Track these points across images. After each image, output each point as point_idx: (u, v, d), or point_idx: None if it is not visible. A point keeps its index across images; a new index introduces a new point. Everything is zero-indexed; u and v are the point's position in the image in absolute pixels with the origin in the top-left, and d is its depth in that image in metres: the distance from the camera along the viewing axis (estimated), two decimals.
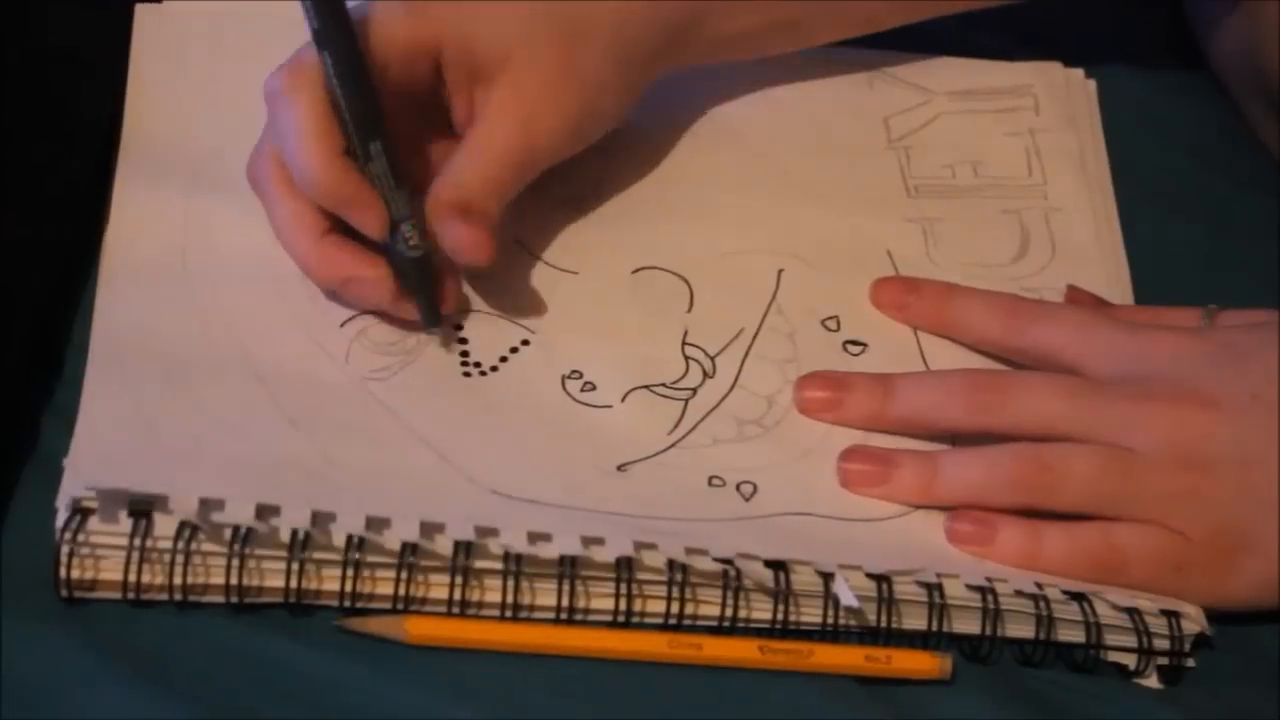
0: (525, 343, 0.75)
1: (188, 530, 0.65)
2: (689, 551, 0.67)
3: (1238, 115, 0.91)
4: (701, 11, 0.80)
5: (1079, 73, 0.89)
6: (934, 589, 0.68)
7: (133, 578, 0.65)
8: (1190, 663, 0.69)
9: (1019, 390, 0.71)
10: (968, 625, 0.69)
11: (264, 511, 0.65)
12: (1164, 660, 0.69)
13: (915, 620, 0.68)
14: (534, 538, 0.66)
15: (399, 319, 0.74)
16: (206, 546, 0.65)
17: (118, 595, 0.65)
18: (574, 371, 0.75)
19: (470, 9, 0.74)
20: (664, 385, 0.75)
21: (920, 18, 0.85)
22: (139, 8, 0.83)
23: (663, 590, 0.67)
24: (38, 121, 0.76)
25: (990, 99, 0.88)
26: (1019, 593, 0.69)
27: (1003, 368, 0.76)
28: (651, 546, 0.67)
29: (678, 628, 0.67)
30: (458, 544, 0.66)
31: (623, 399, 0.74)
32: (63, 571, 0.65)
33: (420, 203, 0.73)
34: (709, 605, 0.68)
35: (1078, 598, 0.69)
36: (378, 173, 0.71)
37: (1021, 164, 0.86)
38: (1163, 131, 0.89)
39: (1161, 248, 0.84)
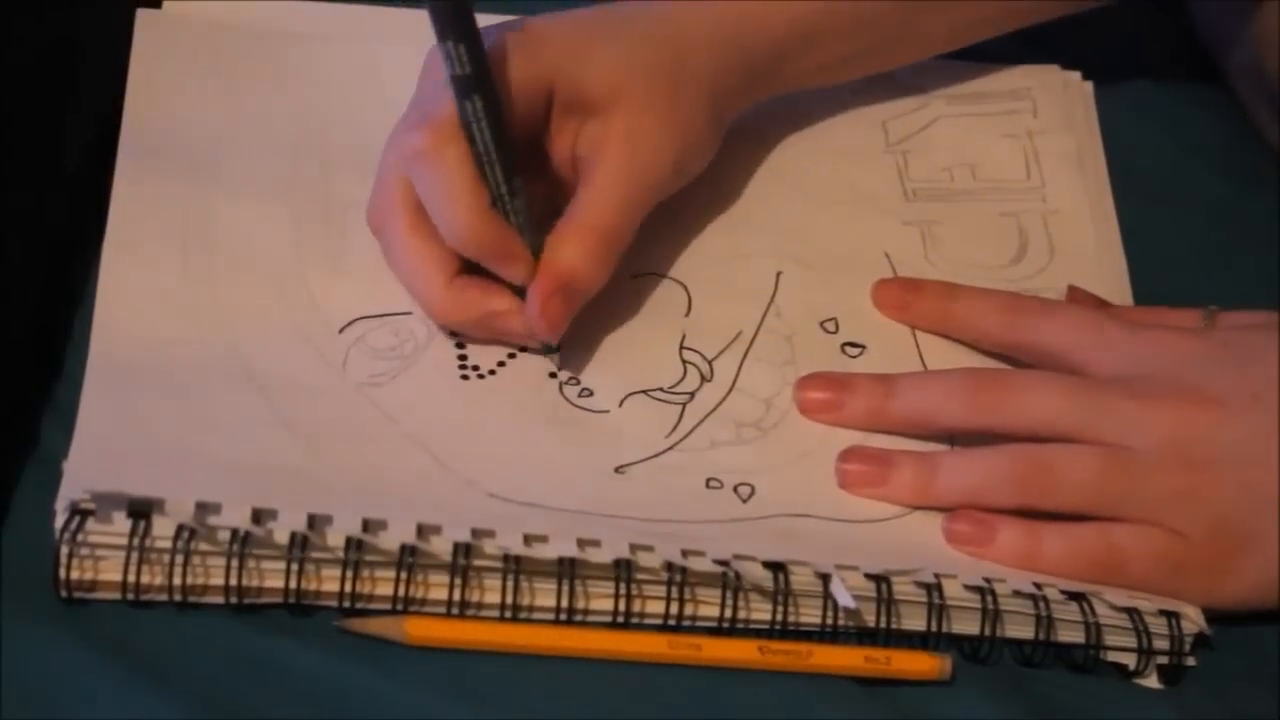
0: (523, 348, 0.75)
1: (187, 531, 0.65)
2: (686, 553, 0.67)
3: (1239, 116, 0.91)
4: (784, 53, 0.81)
5: (1076, 75, 0.90)
6: (933, 589, 0.68)
7: (132, 578, 0.65)
8: (1190, 662, 0.69)
9: (1019, 389, 0.71)
10: (967, 626, 0.69)
11: (260, 515, 0.65)
12: (1164, 660, 0.69)
13: (914, 621, 0.68)
14: (530, 539, 0.66)
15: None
16: (206, 547, 0.65)
17: (117, 596, 0.65)
18: (571, 377, 0.75)
19: (582, 49, 0.75)
20: (661, 390, 0.75)
21: (994, 34, 0.86)
22: (140, 11, 0.83)
23: (662, 591, 0.67)
24: (38, 121, 0.76)
25: (988, 102, 0.88)
26: (1018, 593, 0.69)
27: (1003, 367, 0.76)
28: (649, 548, 0.67)
29: (677, 628, 0.67)
30: (457, 544, 0.66)
31: (620, 404, 0.74)
32: (62, 572, 0.65)
33: (545, 236, 0.74)
34: (708, 606, 0.68)
35: (1077, 598, 0.69)
36: (519, 208, 0.72)
37: (1020, 167, 0.86)
38: (1163, 132, 0.89)
39: (1161, 248, 0.84)
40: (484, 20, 0.71)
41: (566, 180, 0.76)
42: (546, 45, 0.74)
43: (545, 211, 0.75)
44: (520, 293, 0.73)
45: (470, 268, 0.73)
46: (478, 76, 0.70)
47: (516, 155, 0.72)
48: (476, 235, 0.71)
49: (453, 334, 0.75)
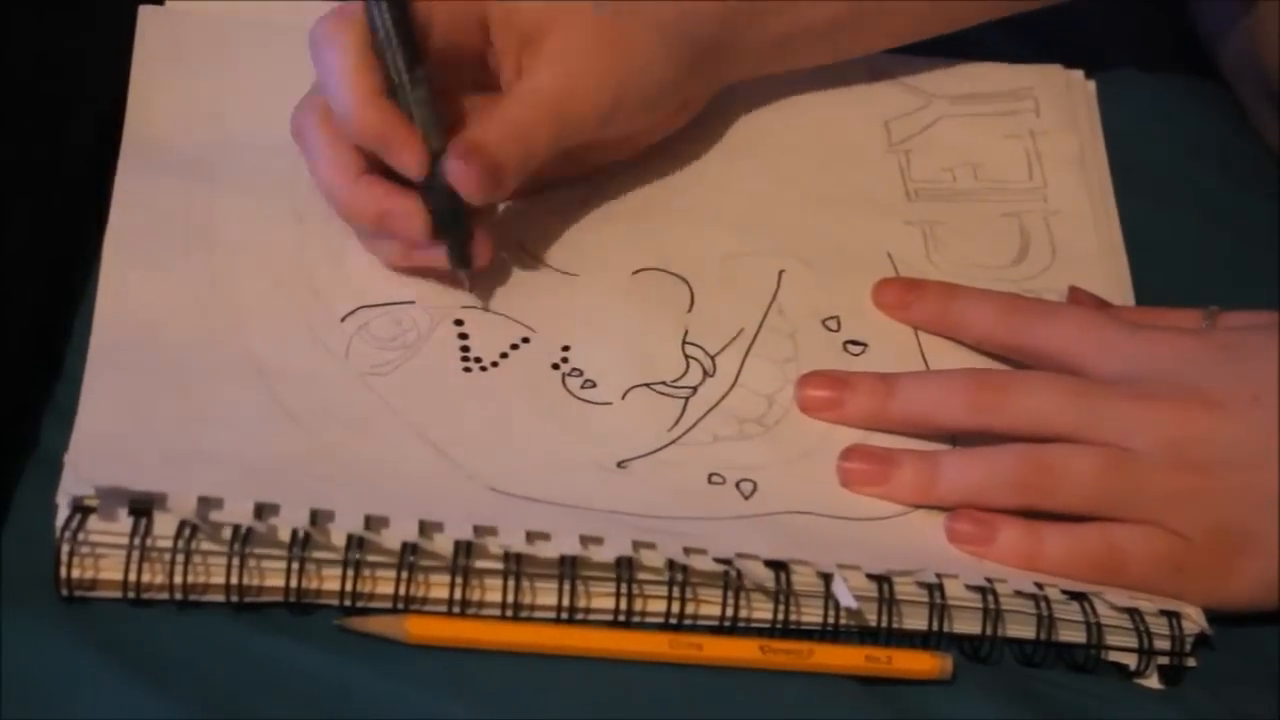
0: (525, 340, 0.75)
1: (188, 529, 0.65)
2: (688, 551, 0.67)
3: (1239, 115, 0.91)
4: (760, 7, 0.80)
5: (1079, 74, 0.89)
6: (934, 589, 0.68)
7: (133, 577, 0.65)
8: (1191, 663, 0.69)
9: (1020, 389, 0.71)
10: (968, 625, 0.69)
11: (263, 510, 0.65)
12: (1164, 660, 0.69)
13: (916, 620, 0.68)
14: (532, 537, 0.66)
15: (435, 267, 0.75)
16: (206, 545, 0.65)
17: (118, 594, 0.65)
18: (574, 369, 0.75)
19: None
20: (664, 383, 0.75)
21: (980, 18, 0.85)
22: (142, 8, 0.83)
23: (663, 590, 0.67)
24: (38, 121, 0.76)
25: (991, 102, 0.88)
26: (1019, 593, 0.69)
27: (1004, 367, 0.76)
28: (650, 546, 0.67)
29: (678, 627, 0.67)
30: (458, 543, 0.66)
31: (623, 396, 0.74)
32: (63, 570, 0.65)
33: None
34: (709, 605, 0.68)
35: (1078, 598, 0.69)
36: (419, 99, 0.72)
37: (1022, 167, 0.86)
38: (1164, 132, 0.89)
39: (1161, 248, 0.84)
40: None
41: None
42: None
43: None
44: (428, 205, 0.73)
45: (384, 174, 0.73)
46: None
47: (420, 49, 0.71)
48: (364, 117, 0.71)
49: (456, 322, 0.75)
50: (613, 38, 0.75)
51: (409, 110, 0.72)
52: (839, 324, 0.78)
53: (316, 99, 0.74)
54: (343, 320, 0.74)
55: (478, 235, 0.74)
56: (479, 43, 0.75)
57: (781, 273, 0.80)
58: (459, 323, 0.75)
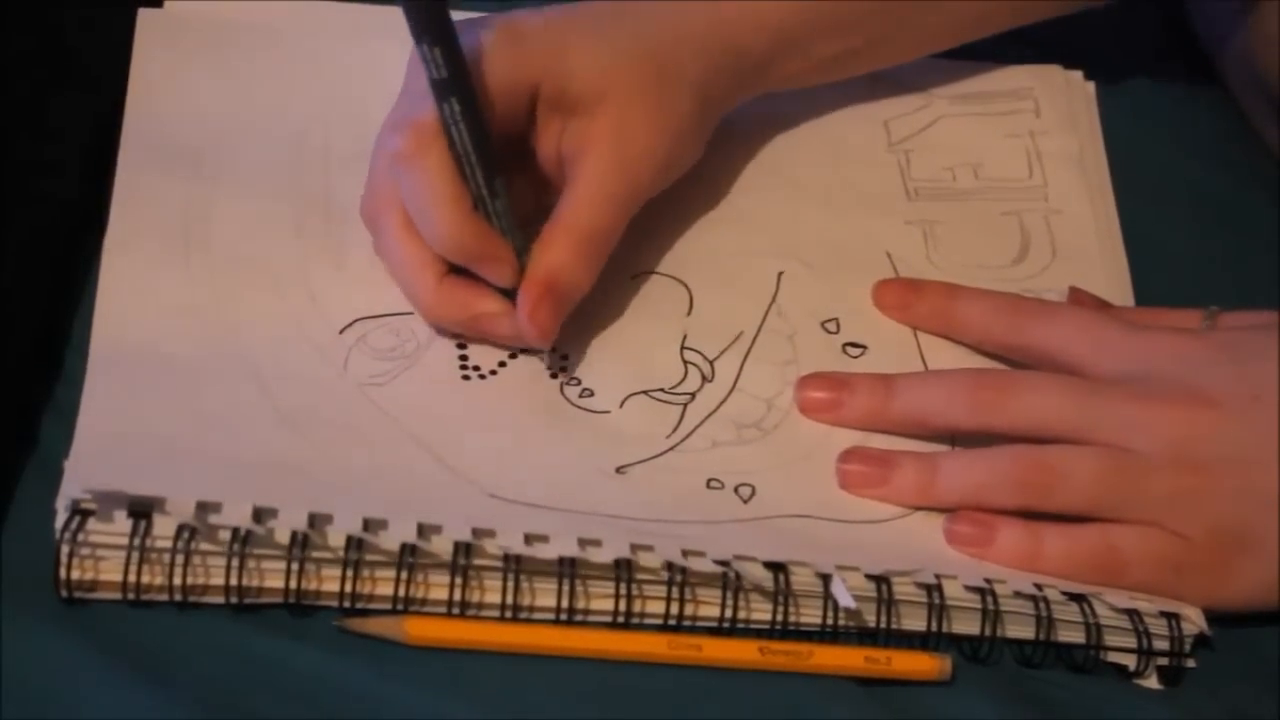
0: (524, 349, 0.75)
1: (187, 530, 0.65)
2: (686, 553, 0.67)
3: (1238, 116, 0.91)
4: (774, 53, 0.80)
5: (1078, 75, 0.90)
6: (933, 590, 0.68)
7: (133, 578, 0.65)
8: (1190, 663, 0.69)
9: (1020, 389, 0.71)
10: (967, 626, 0.69)
11: (261, 514, 0.65)
12: (1164, 661, 0.69)
13: (915, 621, 0.68)
14: (531, 539, 0.66)
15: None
16: (206, 546, 0.65)
17: (118, 595, 0.65)
18: (572, 378, 0.75)
19: (567, 47, 0.74)
20: (662, 390, 0.75)
21: (986, 34, 0.86)
22: (141, 11, 0.83)
23: (662, 591, 0.67)
24: (38, 122, 0.76)
25: (991, 102, 0.88)
26: (1018, 594, 0.69)
27: (1004, 368, 0.76)
28: (649, 548, 0.67)
29: (677, 628, 0.67)
30: (457, 544, 0.66)
31: (621, 404, 0.74)
32: (63, 572, 0.65)
33: (532, 235, 0.73)
34: (709, 606, 0.68)
35: (1077, 599, 0.69)
36: (501, 210, 0.72)
37: (1022, 166, 0.86)
38: (1163, 132, 0.89)
39: (1161, 248, 0.84)
40: (468, 16, 0.71)
41: (553, 178, 0.76)
42: (530, 42, 0.74)
43: (533, 209, 0.75)
44: (510, 294, 0.73)
45: (461, 267, 0.73)
46: (454, 79, 0.69)
47: (496, 156, 0.71)
48: (459, 239, 0.71)
49: (454, 335, 0.75)
50: (660, 108, 0.76)
51: (492, 219, 0.72)
52: (838, 326, 0.78)
53: (392, 196, 0.73)
54: (341, 332, 0.74)
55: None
56: (523, 116, 0.75)
57: (781, 274, 0.80)
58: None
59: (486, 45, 0.72)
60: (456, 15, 0.69)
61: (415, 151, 0.71)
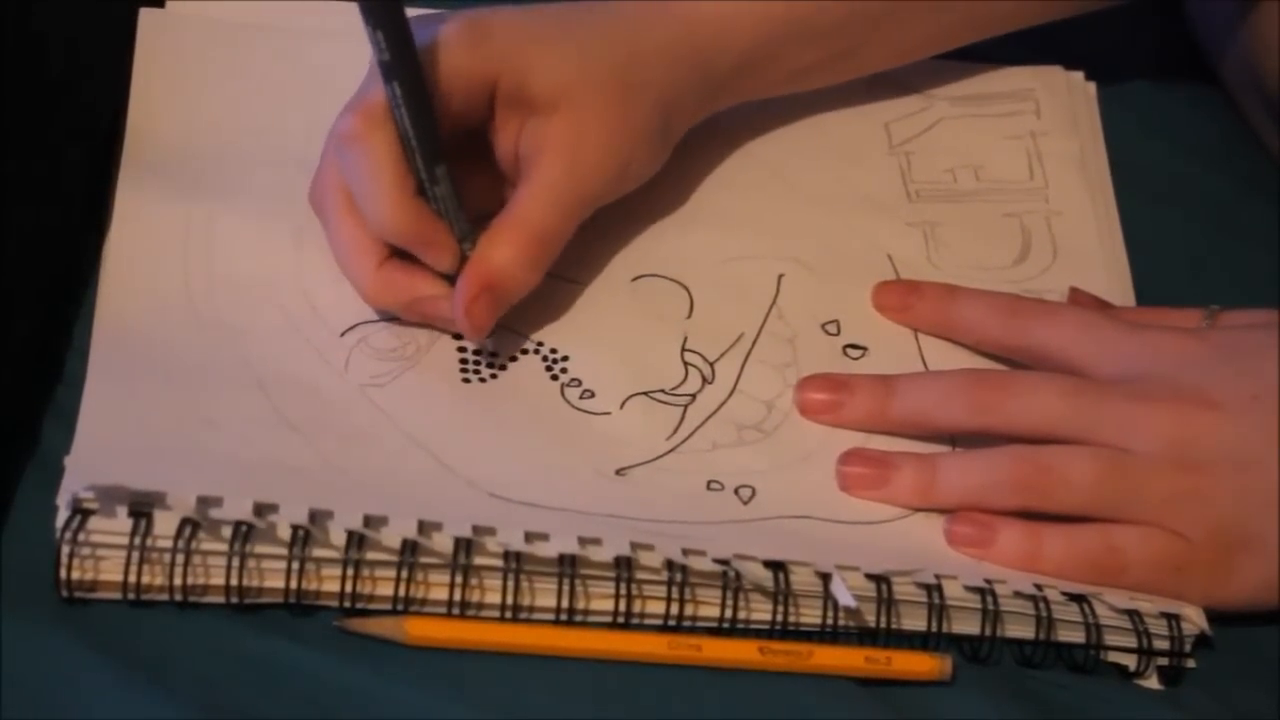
0: (524, 351, 0.75)
1: (188, 530, 0.65)
2: (687, 552, 0.67)
3: (1238, 117, 0.91)
4: (745, 65, 0.80)
5: (1079, 75, 0.90)
6: (933, 590, 0.68)
7: (133, 578, 0.65)
8: (1190, 663, 0.69)
9: (1020, 389, 0.71)
10: (967, 626, 0.69)
11: (262, 509, 0.65)
12: (1164, 661, 0.69)
13: (915, 621, 0.68)
14: (531, 537, 0.66)
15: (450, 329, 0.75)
16: (206, 546, 0.65)
17: (118, 595, 0.65)
18: (573, 379, 0.75)
19: (530, 45, 0.74)
20: (663, 391, 0.75)
21: (966, 42, 0.86)
22: (143, 11, 0.83)
23: (662, 591, 0.67)
24: (39, 123, 0.76)
25: (991, 103, 0.88)
26: (1018, 594, 0.69)
27: (1004, 368, 0.76)
28: (649, 547, 0.67)
29: (677, 628, 0.67)
30: (457, 543, 0.66)
31: (621, 405, 0.74)
32: (63, 572, 0.65)
33: (480, 228, 0.73)
34: (708, 606, 0.68)
35: (1077, 599, 0.69)
36: (443, 195, 0.72)
37: (1023, 168, 0.86)
38: (1163, 133, 0.89)
39: (1161, 248, 0.84)
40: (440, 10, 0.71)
41: (510, 175, 0.76)
42: (492, 38, 0.74)
43: (495, 205, 0.75)
44: (451, 279, 0.73)
45: (403, 251, 0.73)
46: (398, 63, 0.69)
47: (441, 144, 0.71)
48: (398, 221, 0.71)
49: (455, 335, 0.75)
50: (620, 116, 0.75)
51: (434, 204, 0.72)
52: (838, 328, 0.79)
53: (338, 180, 0.73)
54: (342, 335, 0.75)
55: None
56: (482, 112, 0.75)
57: (781, 276, 0.80)
58: (459, 334, 0.75)
59: (447, 37, 0.72)
60: (427, 10, 0.70)
61: (361, 132, 0.71)
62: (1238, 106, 0.91)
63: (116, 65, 0.81)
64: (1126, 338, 0.73)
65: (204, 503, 0.65)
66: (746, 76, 0.81)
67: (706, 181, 0.83)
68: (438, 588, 0.66)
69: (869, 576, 0.68)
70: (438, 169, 0.71)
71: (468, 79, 0.73)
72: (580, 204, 0.75)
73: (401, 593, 0.66)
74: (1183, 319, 0.75)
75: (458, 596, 0.66)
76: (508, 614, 0.67)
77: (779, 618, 0.67)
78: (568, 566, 0.66)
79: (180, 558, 0.65)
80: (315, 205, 0.75)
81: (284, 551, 0.65)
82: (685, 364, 0.76)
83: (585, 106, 0.74)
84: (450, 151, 0.72)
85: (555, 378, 0.75)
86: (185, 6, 0.84)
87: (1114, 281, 0.82)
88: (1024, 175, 0.86)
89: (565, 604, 0.66)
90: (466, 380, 0.74)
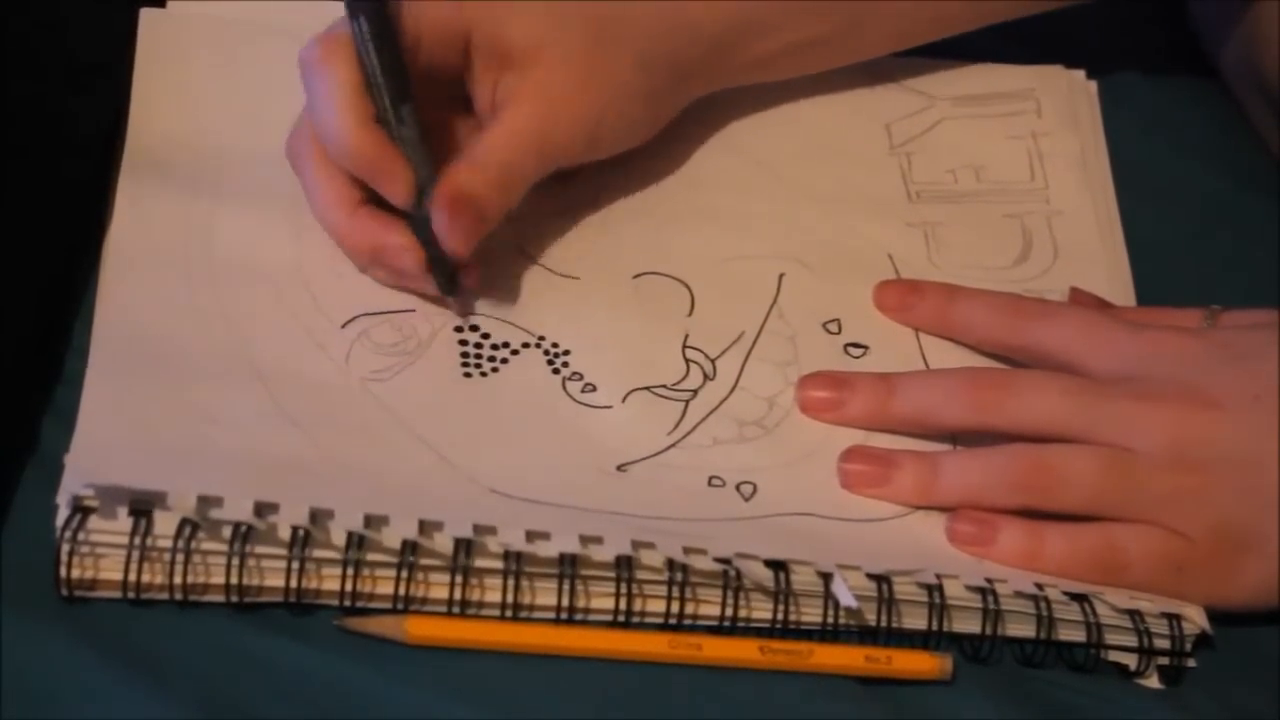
0: (526, 345, 0.75)
1: (188, 529, 0.65)
2: (687, 551, 0.67)
3: (1239, 116, 0.91)
4: (735, 33, 0.80)
5: (1080, 75, 0.89)
6: (934, 589, 0.68)
7: (133, 577, 0.65)
8: (1191, 663, 0.69)
9: (1021, 388, 0.71)
10: (968, 625, 0.69)
11: (263, 509, 0.65)
12: (1165, 660, 0.69)
13: (915, 620, 0.68)
14: (532, 536, 0.66)
15: (425, 293, 0.75)
16: (206, 545, 0.65)
17: (118, 595, 0.65)
18: (574, 373, 0.75)
19: None
20: (664, 387, 0.75)
21: (962, 29, 0.86)
22: (144, 11, 0.83)
23: (663, 590, 0.67)
24: (39, 123, 0.76)
25: (992, 103, 0.88)
26: (1019, 593, 0.69)
27: (1005, 367, 0.76)
28: (650, 546, 0.67)
29: (678, 628, 0.67)
30: (458, 543, 0.66)
31: (623, 400, 0.74)
32: (63, 571, 0.65)
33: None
34: (709, 605, 0.68)
35: (1078, 598, 0.69)
36: (408, 136, 0.72)
37: (1024, 168, 0.86)
38: (1164, 132, 0.89)
39: (1162, 248, 0.84)
40: None
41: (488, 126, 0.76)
42: None
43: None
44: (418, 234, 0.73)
45: (380, 206, 0.74)
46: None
47: (409, 84, 0.72)
48: (354, 145, 0.72)
49: (456, 328, 0.75)
50: (594, 71, 0.76)
51: (398, 144, 0.73)
52: (840, 326, 0.78)
53: (311, 126, 0.74)
54: (343, 327, 0.75)
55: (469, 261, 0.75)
56: (458, 62, 0.75)
57: (782, 276, 0.80)
58: (459, 329, 0.75)
59: None
60: None
61: (320, 56, 0.72)
62: (1239, 105, 0.91)
63: (117, 64, 0.81)
64: (1127, 337, 0.73)
65: (204, 503, 0.65)
66: (739, 47, 0.80)
67: (708, 181, 0.83)
68: (438, 587, 0.66)
69: (870, 576, 0.68)
70: (403, 108, 0.72)
71: (441, 27, 0.74)
72: (546, 150, 0.75)
73: (402, 592, 0.66)
74: (1183, 319, 0.75)
75: (458, 596, 0.66)
76: (508, 613, 0.67)
77: (780, 617, 0.67)
78: (568, 566, 0.66)
79: (180, 557, 0.65)
80: (292, 158, 0.76)
81: (284, 551, 0.65)
82: (686, 360, 0.76)
83: (558, 58, 0.75)
84: (431, 100, 0.73)
85: (557, 371, 0.75)
86: (186, 6, 0.84)
87: (1115, 281, 0.82)
88: (1025, 175, 0.86)
89: (566, 603, 0.66)
90: (468, 375, 0.74)
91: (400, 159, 0.73)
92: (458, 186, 0.73)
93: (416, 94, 0.73)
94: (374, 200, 0.74)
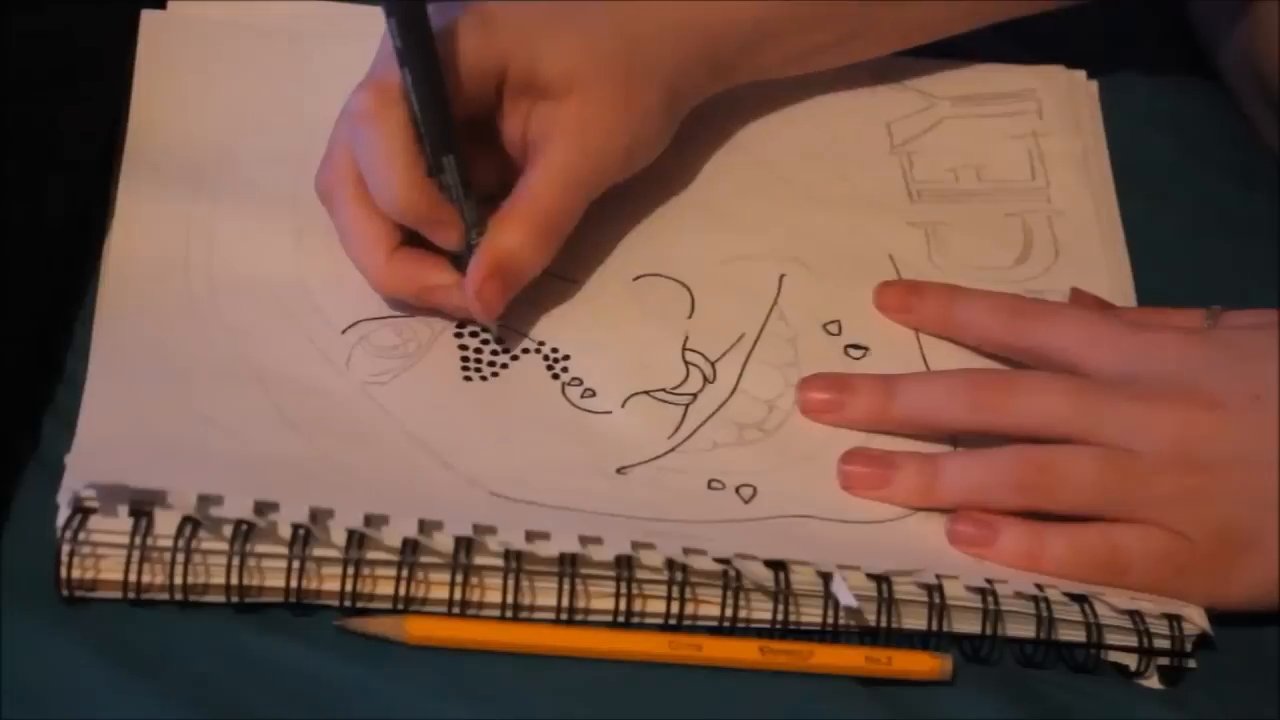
0: (526, 350, 0.75)
1: (188, 529, 0.65)
2: (687, 551, 0.67)
3: (1239, 116, 0.91)
4: (747, 46, 0.80)
5: (1081, 74, 0.89)
6: (934, 589, 0.68)
7: (133, 577, 0.65)
8: (1191, 663, 0.69)
9: (1021, 389, 0.71)
10: (968, 625, 0.69)
11: (263, 508, 0.65)
12: (1165, 661, 0.69)
13: (916, 620, 0.68)
14: (532, 536, 0.66)
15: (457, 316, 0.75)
16: (207, 545, 0.65)
17: (118, 595, 0.65)
18: (574, 378, 0.75)
19: (537, 32, 0.75)
20: (664, 390, 0.75)
21: (967, 29, 0.86)
22: (145, 12, 0.83)
23: (663, 590, 0.67)
24: (39, 123, 0.76)
25: (993, 103, 0.88)
26: (1019, 593, 0.68)
27: (1005, 368, 0.76)
28: (650, 546, 0.67)
29: (678, 628, 0.67)
30: (458, 542, 0.66)
31: (623, 404, 0.74)
32: (63, 571, 0.65)
33: (486, 211, 0.74)
34: (709, 605, 0.68)
35: (1079, 599, 0.69)
36: (450, 184, 0.72)
37: (1025, 167, 0.86)
38: (1165, 133, 0.89)
39: (1162, 248, 0.83)
40: None
41: (517, 161, 0.76)
42: (500, 26, 0.74)
43: (496, 190, 0.75)
44: (461, 267, 0.74)
45: (413, 240, 0.74)
46: (409, 50, 0.70)
47: (452, 133, 0.72)
48: (407, 198, 0.72)
49: (456, 333, 0.75)
50: (630, 99, 0.76)
51: (444, 188, 0.73)
52: (840, 328, 0.78)
53: (349, 168, 0.74)
54: (343, 332, 0.75)
55: None
56: (490, 100, 0.75)
57: (782, 277, 0.80)
58: (459, 333, 0.75)
59: (457, 26, 0.73)
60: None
61: (375, 110, 0.71)
62: (1239, 104, 0.91)
63: (118, 66, 0.81)
64: (1128, 338, 0.73)
65: (204, 501, 0.65)
66: (749, 57, 0.81)
67: (708, 181, 0.83)
68: (438, 587, 0.66)
69: (870, 576, 0.68)
70: (446, 159, 0.72)
71: (477, 68, 0.73)
72: (589, 185, 0.75)
73: (402, 592, 0.66)
74: (1184, 319, 0.75)
75: (458, 596, 0.66)
76: (508, 613, 0.67)
77: (780, 617, 0.67)
78: (568, 566, 0.66)
79: (181, 557, 0.65)
80: (323, 192, 0.75)
81: (284, 551, 0.65)
82: (686, 363, 0.76)
83: (593, 90, 0.75)
84: (458, 138, 0.73)
85: (556, 376, 0.75)
86: (187, 8, 0.84)
87: (1115, 281, 0.82)
88: (1026, 175, 0.86)
89: (566, 603, 0.66)
90: (468, 379, 0.74)
91: (453, 209, 0.73)
92: (503, 250, 0.73)
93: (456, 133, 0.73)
94: (410, 239, 0.74)
